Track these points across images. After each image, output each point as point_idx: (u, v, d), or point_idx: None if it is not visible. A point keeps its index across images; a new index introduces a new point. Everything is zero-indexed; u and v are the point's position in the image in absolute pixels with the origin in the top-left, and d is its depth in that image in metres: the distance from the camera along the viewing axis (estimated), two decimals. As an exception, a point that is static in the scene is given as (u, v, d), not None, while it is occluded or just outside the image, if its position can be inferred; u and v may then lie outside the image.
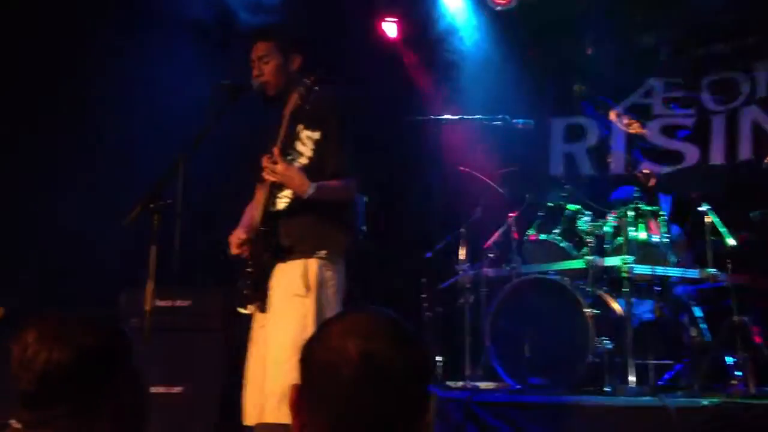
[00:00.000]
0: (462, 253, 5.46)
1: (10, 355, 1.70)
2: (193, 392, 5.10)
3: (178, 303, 5.25)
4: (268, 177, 3.64)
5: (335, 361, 1.44)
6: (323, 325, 1.55)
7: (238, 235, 3.79)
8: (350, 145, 3.77)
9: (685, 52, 7.04)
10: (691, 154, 6.94)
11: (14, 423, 1.88)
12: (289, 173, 3.59)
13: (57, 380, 1.64)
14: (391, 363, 1.44)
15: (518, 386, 4.82)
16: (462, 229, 5.50)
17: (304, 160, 3.71)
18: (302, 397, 1.49)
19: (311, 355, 1.49)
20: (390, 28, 7.18)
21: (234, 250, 3.77)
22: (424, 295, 5.71)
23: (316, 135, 3.72)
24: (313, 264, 3.64)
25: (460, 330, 5.31)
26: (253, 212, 3.85)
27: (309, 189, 3.58)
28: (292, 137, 3.74)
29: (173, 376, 5.06)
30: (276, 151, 3.60)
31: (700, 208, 5.00)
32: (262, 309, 3.65)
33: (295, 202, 3.69)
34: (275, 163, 3.58)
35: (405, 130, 5.96)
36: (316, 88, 3.64)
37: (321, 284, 3.62)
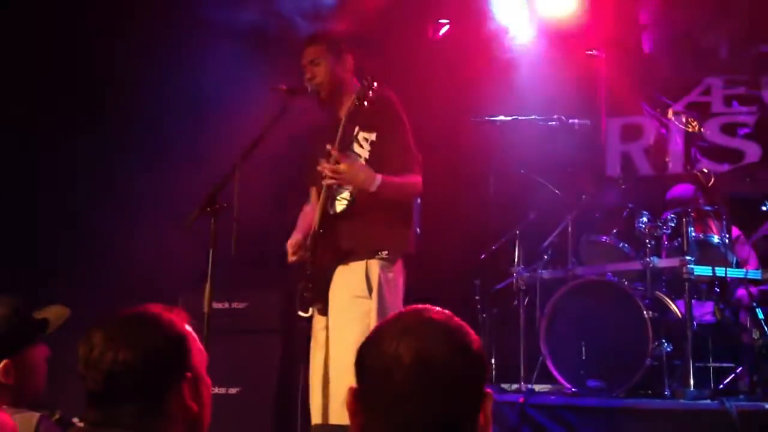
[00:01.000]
0: (517, 255, 5.43)
1: (76, 355, 1.73)
2: (250, 394, 5.15)
3: (236, 305, 5.30)
4: (331, 180, 3.63)
5: (388, 365, 1.43)
6: (377, 328, 1.54)
7: (294, 242, 3.81)
8: (410, 142, 3.76)
9: (745, 50, 6.89)
10: (752, 151, 6.79)
11: (78, 422, 1.92)
12: (353, 170, 3.58)
13: (123, 380, 1.66)
14: (444, 365, 1.42)
15: (574, 389, 4.77)
16: (517, 231, 5.47)
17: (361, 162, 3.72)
18: (359, 401, 1.49)
19: (365, 360, 1.49)
20: (443, 28, 7.16)
21: (291, 258, 3.79)
22: (478, 297, 5.68)
23: (372, 136, 3.73)
24: (374, 265, 3.64)
25: (514, 332, 5.28)
26: (311, 215, 3.86)
27: (376, 181, 3.57)
28: (350, 139, 3.74)
29: (231, 377, 5.11)
30: (335, 151, 3.60)
31: (763, 207, 4.90)
32: (323, 312, 3.66)
33: (354, 203, 3.68)
34: (337, 163, 3.58)
35: (460, 130, 5.94)
36: (372, 88, 3.65)
37: (382, 286, 3.62)
